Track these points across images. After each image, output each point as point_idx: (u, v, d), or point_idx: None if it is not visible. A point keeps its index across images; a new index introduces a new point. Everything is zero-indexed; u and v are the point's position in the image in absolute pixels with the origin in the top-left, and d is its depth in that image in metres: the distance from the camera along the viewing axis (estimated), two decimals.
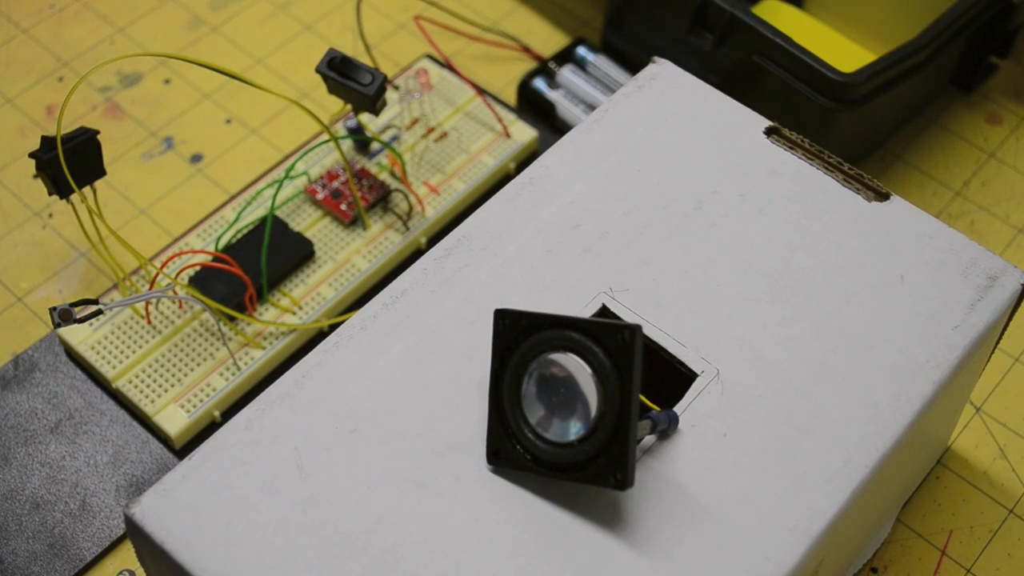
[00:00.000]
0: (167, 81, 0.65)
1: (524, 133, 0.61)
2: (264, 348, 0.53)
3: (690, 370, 0.41)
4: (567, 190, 0.45)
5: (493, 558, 0.36)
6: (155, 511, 0.37)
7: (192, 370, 0.52)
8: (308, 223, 0.57)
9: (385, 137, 0.60)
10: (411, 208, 0.58)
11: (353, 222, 0.57)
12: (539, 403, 0.37)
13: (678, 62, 0.49)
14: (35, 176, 0.61)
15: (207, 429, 0.52)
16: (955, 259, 0.43)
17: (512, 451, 0.38)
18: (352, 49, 0.66)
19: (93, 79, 0.64)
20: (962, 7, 0.58)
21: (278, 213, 0.57)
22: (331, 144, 0.59)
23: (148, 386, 0.52)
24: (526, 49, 0.67)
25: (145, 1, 0.68)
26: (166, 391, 0.51)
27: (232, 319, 0.53)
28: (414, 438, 0.39)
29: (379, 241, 0.57)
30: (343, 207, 0.57)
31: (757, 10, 0.63)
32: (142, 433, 0.51)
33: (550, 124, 0.63)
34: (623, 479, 0.36)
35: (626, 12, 0.65)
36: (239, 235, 0.56)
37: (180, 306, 0.54)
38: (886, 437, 0.39)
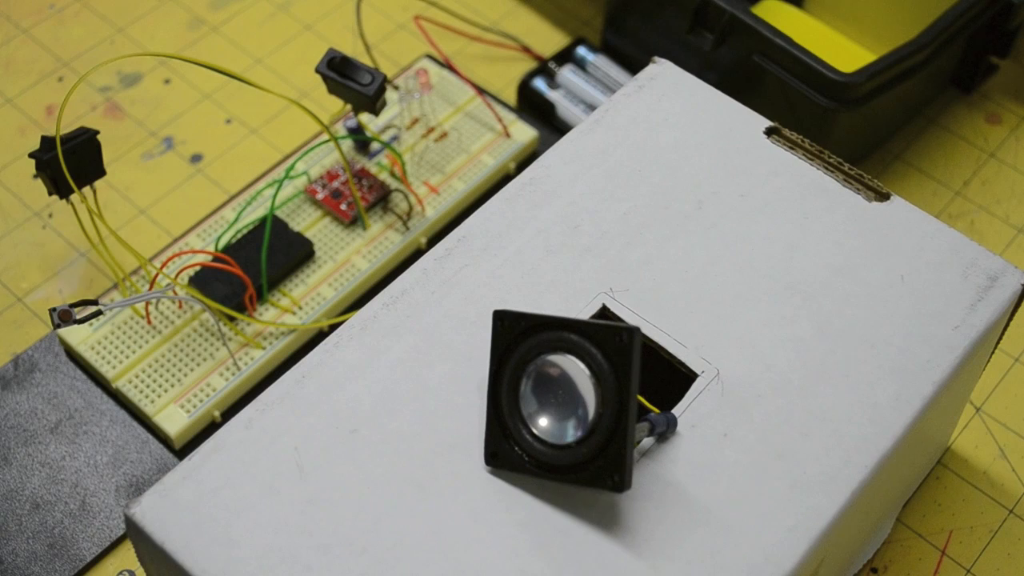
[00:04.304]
0: (167, 81, 0.65)
1: (524, 133, 0.61)
2: (264, 348, 0.53)
3: (690, 370, 0.40)
4: (567, 190, 0.45)
5: (492, 559, 0.36)
6: (155, 511, 0.37)
7: (192, 370, 0.52)
8: (308, 223, 0.57)
9: (385, 137, 0.60)
10: (411, 208, 0.58)
11: (353, 222, 0.57)
12: (537, 405, 0.37)
13: (678, 62, 0.49)
14: (35, 176, 0.61)
15: (207, 429, 0.52)
16: (955, 259, 0.43)
17: (510, 452, 0.38)
18: (352, 49, 0.66)
19: (93, 79, 0.64)
20: (962, 7, 0.58)
21: (278, 213, 0.57)
22: (331, 144, 0.59)
23: (148, 386, 0.52)
24: (526, 49, 0.67)
25: (145, 1, 0.68)
26: (166, 391, 0.51)
27: (232, 319, 0.53)
28: (414, 438, 0.39)
29: (379, 241, 0.57)
30: (343, 207, 0.57)
31: (757, 10, 0.63)
32: (142, 433, 0.51)
33: (550, 124, 0.63)
34: (620, 481, 0.36)
35: (626, 12, 0.64)
36: (239, 235, 0.55)
37: (180, 306, 0.54)
38: (886, 437, 0.39)
